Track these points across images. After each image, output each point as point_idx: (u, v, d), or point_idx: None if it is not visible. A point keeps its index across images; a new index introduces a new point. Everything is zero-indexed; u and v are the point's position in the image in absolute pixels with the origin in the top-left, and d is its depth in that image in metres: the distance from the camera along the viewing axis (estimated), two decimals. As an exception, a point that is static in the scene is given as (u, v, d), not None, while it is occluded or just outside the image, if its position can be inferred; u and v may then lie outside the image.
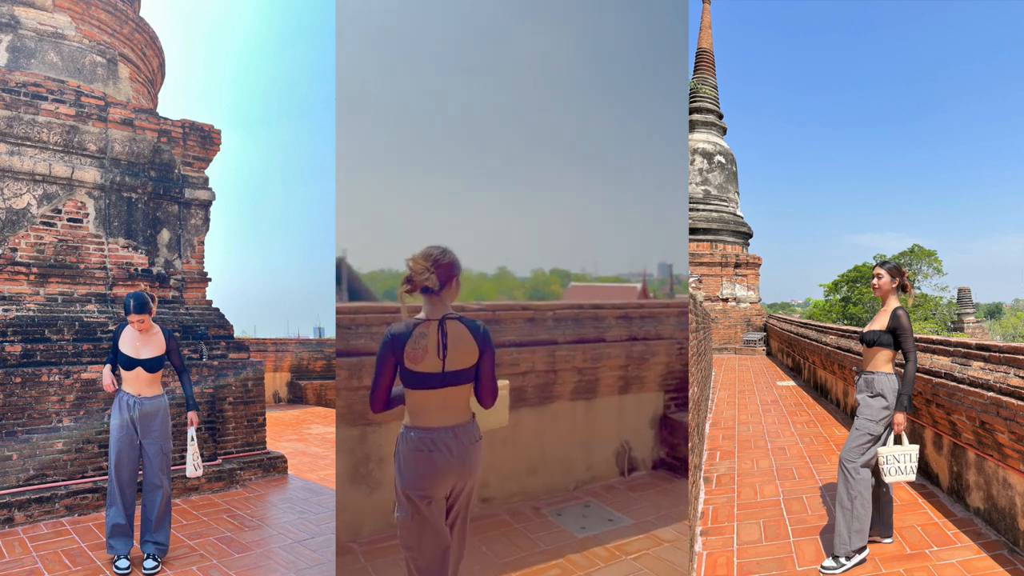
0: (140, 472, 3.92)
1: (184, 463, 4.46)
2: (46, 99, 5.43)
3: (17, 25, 5.84)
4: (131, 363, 3.84)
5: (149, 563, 3.72)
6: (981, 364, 4.31)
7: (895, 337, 3.66)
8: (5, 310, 5.09)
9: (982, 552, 3.71)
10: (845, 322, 26.60)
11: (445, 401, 2.42)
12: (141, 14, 7.20)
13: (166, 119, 6.15)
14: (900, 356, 3.72)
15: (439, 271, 2.36)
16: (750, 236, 25.14)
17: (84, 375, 5.08)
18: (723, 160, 24.63)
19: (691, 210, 23.46)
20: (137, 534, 3.93)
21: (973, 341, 4.64)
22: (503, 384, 2.76)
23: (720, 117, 26.07)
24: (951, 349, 4.91)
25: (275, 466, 6.10)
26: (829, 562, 3.55)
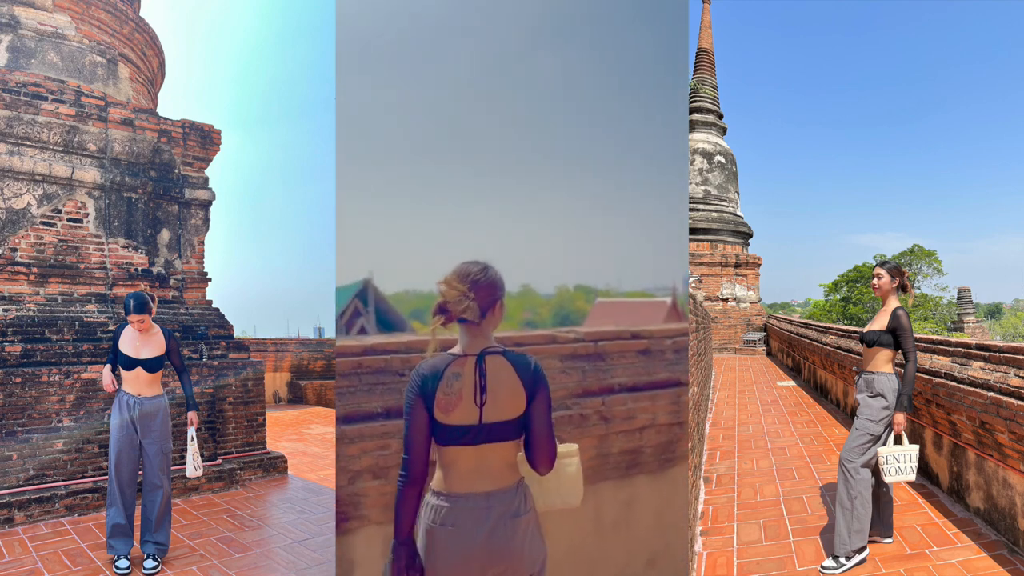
0: (140, 472, 3.93)
1: (184, 463, 4.46)
2: (46, 99, 5.43)
3: (17, 25, 5.84)
4: (131, 363, 3.84)
5: (149, 563, 3.72)
6: (981, 364, 4.31)
7: (895, 337, 3.66)
8: (5, 310, 5.09)
9: (982, 552, 3.71)
10: (845, 322, 26.61)
11: (481, 461, 1.88)
12: (141, 14, 7.20)
13: (166, 119, 6.15)
14: (900, 356, 3.72)
15: (480, 295, 1.86)
16: (750, 236, 25.15)
17: (84, 375, 5.08)
18: (723, 160, 24.63)
19: (691, 210, 23.47)
20: (137, 534, 3.93)
21: (973, 341, 4.64)
22: (570, 449, 2.19)
23: (720, 117, 26.07)
24: (951, 349, 4.91)
25: (275, 466, 6.10)
26: (829, 562, 3.55)
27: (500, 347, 1.92)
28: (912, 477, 3.61)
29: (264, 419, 6.25)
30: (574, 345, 3.49)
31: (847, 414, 8.40)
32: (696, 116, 25.11)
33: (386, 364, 2.99)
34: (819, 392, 10.74)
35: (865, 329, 3.87)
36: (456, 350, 1.91)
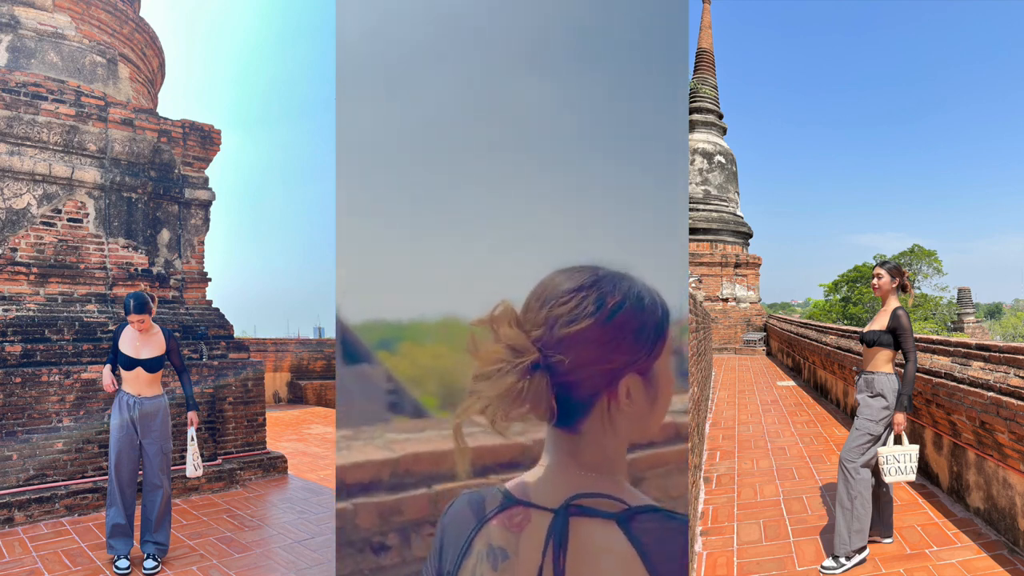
0: (140, 472, 3.93)
1: (184, 463, 4.46)
2: (46, 99, 5.42)
3: (17, 25, 5.84)
4: (131, 363, 3.84)
5: (149, 563, 3.72)
6: (981, 364, 4.31)
7: (895, 337, 3.67)
8: (5, 310, 5.09)
9: (982, 552, 3.71)
10: (845, 322, 26.61)
11: None
12: (141, 14, 7.20)
13: (166, 119, 6.15)
14: (900, 356, 3.72)
15: (572, 350, 0.85)
16: (750, 236, 25.15)
17: (84, 375, 5.08)
18: (723, 160, 24.63)
19: (691, 210, 23.47)
20: (137, 534, 3.93)
21: (973, 341, 4.64)
22: None
23: (720, 117, 26.08)
24: (951, 349, 4.91)
25: (275, 466, 6.09)
26: (829, 562, 3.55)
27: (616, 496, 0.87)
28: (912, 477, 3.61)
29: (264, 419, 6.25)
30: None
31: (847, 414, 8.39)
32: (696, 116, 25.12)
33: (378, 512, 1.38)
34: (819, 392, 10.74)
35: (865, 329, 3.87)
36: (518, 485, 0.92)
